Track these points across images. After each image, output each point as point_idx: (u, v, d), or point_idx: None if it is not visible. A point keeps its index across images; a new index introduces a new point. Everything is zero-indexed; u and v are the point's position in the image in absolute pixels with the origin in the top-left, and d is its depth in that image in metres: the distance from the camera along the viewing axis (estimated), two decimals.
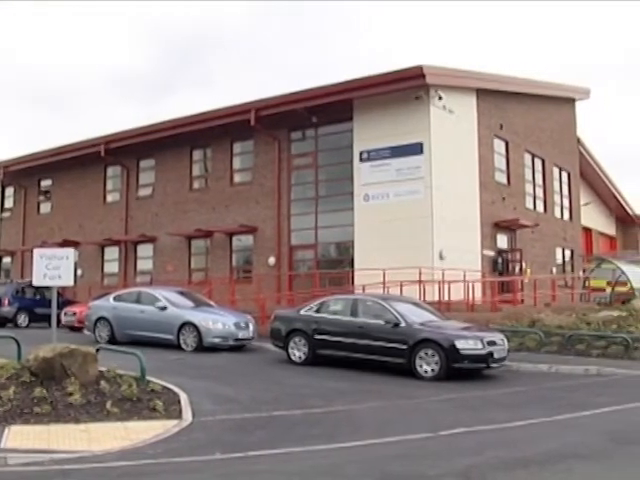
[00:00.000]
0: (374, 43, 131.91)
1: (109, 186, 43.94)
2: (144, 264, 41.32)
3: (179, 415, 12.73)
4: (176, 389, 14.60)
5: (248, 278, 36.08)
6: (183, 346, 23.55)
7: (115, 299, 26.36)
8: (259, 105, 34.61)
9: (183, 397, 13.97)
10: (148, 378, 14.51)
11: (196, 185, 40.00)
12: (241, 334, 24.10)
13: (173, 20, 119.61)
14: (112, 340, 24.70)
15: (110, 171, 43.68)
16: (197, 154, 40.10)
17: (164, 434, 11.39)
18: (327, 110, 33.13)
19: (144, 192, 41.84)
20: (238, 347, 24.06)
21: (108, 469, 9.40)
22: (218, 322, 23.82)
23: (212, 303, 27.01)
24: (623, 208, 60.06)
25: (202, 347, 23.20)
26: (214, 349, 23.23)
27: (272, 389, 16.61)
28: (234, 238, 37.69)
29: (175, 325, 23.91)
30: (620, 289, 41.59)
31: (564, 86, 43.33)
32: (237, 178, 38.24)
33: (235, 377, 18.43)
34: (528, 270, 37.38)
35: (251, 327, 24.60)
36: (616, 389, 17.25)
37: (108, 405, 12.53)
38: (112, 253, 42.91)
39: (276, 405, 14.13)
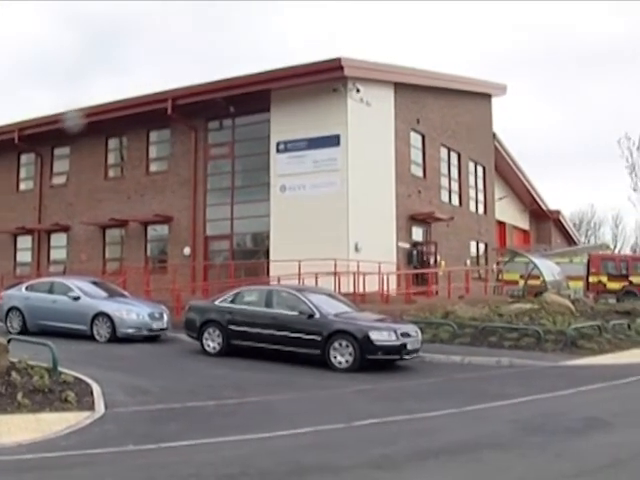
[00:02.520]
0: (298, 37, 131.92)
1: (22, 174, 43.05)
2: (58, 253, 40.66)
3: (92, 406, 12.56)
4: (89, 380, 14.41)
5: (163, 268, 35.80)
6: (96, 337, 23.22)
7: (27, 289, 25.90)
8: (176, 94, 34.28)
9: (96, 388, 13.79)
10: (60, 369, 14.29)
11: (111, 174, 39.51)
12: (155, 325, 23.87)
13: (91, 5, 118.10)
14: (24, 330, 24.30)
15: (24, 158, 42.80)
16: (113, 142, 39.59)
17: (76, 426, 11.23)
18: (245, 100, 32.99)
19: (58, 180, 41.13)
20: (152, 338, 23.83)
21: (19, 461, 9.25)
22: (132, 312, 23.55)
23: (126, 293, 26.72)
24: (537, 203, 60.99)
25: (116, 338, 22.91)
26: (128, 340, 22.95)
27: (186, 380, 16.50)
28: (149, 228, 37.35)
29: (88, 315, 23.54)
30: (533, 282, 42.23)
31: (480, 82, 43.82)
32: (153, 167, 37.89)
33: (149, 368, 18.31)
34: (442, 263, 37.74)
35: (165, 318, 24.38)
36: (527, 380, 17.52)
37: (19, 396, 12.30)
38: (25, 242, 42.09)
39: (190, 396, 14.04)
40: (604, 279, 45.53)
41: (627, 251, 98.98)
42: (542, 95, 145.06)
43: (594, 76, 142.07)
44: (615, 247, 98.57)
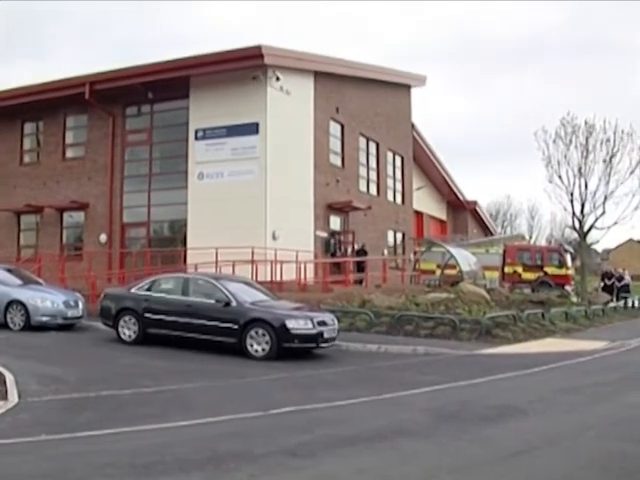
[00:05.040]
0: (222, 25, 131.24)
1: None
2: None
3: (4, 396, 12.40)
4: (1, 369, 14.25)
5: (79, 256, 35.32)
6: (10, 325, 22.82)
7: None
8: (94, 79, 33.75)
9: (9, 377, 13.64)
10: None
11: (27, 159, 38.81)
12: (70, 313, 23.57)
13: None
14: None
15: None
16: (29, 127, 38.88)
17: None
18: (164, 87, 32.69)
19: None
20: (67, 326, 23.51)
21: None
22: (47, 300, 23.21)
23: (41, 281, 26.29)
24: (454, 193, 61.69)
25: (30, 326, 22.56)
26: (42, 328, 22.59)
27: (101, 369, 16.37)
28: (65, 214, 36.82)
29: (2, 303, 23.09)
30: (449, 272, 42.79)
31: (400, 72, 44.06)
32: (69, 153, 37.32)
33: (63, 357, 18.08)
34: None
35: (81, 306, 24.08)
36: (442, 368, 17.75)
37: None
38: None
39: (105, 385, 13.90)
40: (519, 269, 46.19)
41: (542, 242, 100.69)
42: (463, 88, 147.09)
43: (514, 70, 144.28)
44: (530, 238, 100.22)
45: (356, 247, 37.65)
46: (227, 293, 19.42)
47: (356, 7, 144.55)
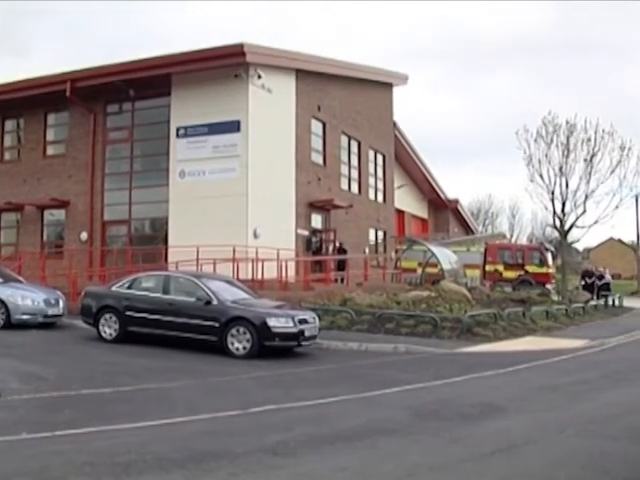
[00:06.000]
0: (207, 23, 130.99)
1: None
2: None
3: None
4: None
5: (59, 253, 35.20)
6: None
7: None
8: (75, 76, 33.65)
9: None
10: None
11: (7, 156, 38.73)
12: (51, 311, 23.47)
13: None
14: None
15: None
16: (9, 124, 38.81)
17: None
18: (145, 84, 32.64)
19: None
20: (48, 324, 23.40)
21: None
22: (27, 298, 23.08)
23: (21, 279, 26.17)
24: (435, 192, 61.82)
25: (10, 324, 22.41)
26: (23, 326, 22.47)
27: (81, 367, 16.31)
28: (46, 212, 36.70)
29: None
30: (430, 270, 42.90)
31: (382, 71, 44.13)
32: (50, 150, 37.22)
33: (44, 355, 17.98)
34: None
35: (61, 304, 24.00)
36: (423, 367, 17.78)
37: None
38: None
39: (85, 383, 13.84)
40: (500, 268, 46.42)
41: (523, 241, 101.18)
42: (446, 88, 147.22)
43: (498, 70, 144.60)
44: (512, 237, 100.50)
45: (338, 246, 37.63)
46: (208, 291, 19.40)
47: (341, 7, 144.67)
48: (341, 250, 37.10)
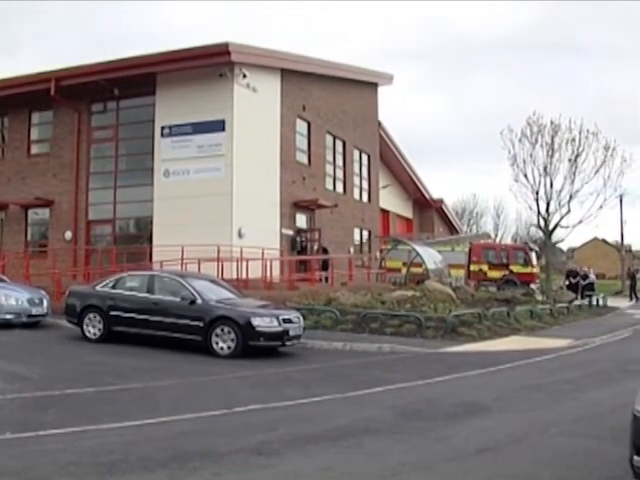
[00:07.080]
0: (192, 22, 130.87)
1: None
2: None
3: None
4: None
5: (44, 253, 35.06)
6: None
7: None
8: (59, 75, 33.45)
9: None
10: None
11: None
12: (35, 310, 23.39)
13: None
14: None
15: None
16: None
17: None
18: (130, 83, 32.50)
19: None
20: (32, 324, 23.33)
21: None
22: (11, 298, 23.00)
23: (5, 278, 26.11)
24: (420, 192, 61.85)
25: None
26: (7, 326, 22.36)
27: (66, 367, 16.29)
28: (30, 211, 36.51)
29: None
30: (415, 270, 42.99)
31: (367, 71, 44.13)
32: (35, 149, 37.03)
33: (28, 355, 17.93)
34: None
35: (45, 303, 23.93)
36: (408, 366, 17.84)
37: None
38: None
39: (69, 383, 13.80)
40: (485, 268, 46.50)
41: (508, 240, 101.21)
42: (431, 88, 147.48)
43: (484, 70, 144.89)
44: (496, 236, 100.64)
45: (318, 247, 37.60)
46: (193, 291, 19.39)
47: (326, 7, 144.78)
48: (323, 251, 37.08)
